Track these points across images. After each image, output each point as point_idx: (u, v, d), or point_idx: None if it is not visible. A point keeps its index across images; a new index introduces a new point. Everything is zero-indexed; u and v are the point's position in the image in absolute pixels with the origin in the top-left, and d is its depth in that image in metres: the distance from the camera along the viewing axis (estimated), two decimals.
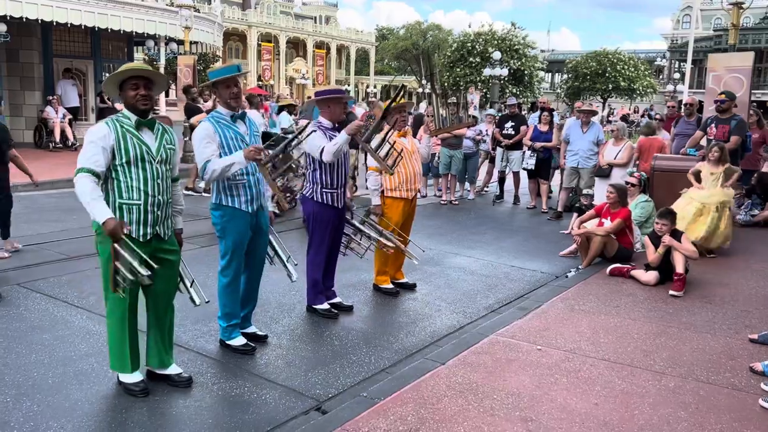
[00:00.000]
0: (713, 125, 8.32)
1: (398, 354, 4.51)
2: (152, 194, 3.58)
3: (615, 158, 8.79)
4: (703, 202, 7.16)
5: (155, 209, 3.60)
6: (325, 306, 5.21)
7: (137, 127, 3.54)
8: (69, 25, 14.69)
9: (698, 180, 7.45)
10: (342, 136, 4.64)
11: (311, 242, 5.18)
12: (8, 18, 13.54)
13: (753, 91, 9.56)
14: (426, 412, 3.47)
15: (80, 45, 17.68)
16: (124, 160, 3.49)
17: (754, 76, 9.36)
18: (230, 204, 4.18)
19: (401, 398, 3.63)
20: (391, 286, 5.87)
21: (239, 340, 4.41)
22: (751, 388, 3.92)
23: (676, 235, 6.10)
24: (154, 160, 3.58)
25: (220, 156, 4.04)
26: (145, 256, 3.47)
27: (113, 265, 3.35)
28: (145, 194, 3.55)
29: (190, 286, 4.10)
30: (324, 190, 5.02)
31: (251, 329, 4.62)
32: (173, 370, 3.90)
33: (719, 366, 4.24)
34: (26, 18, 13.67)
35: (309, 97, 14.51)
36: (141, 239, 3.57)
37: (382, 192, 5.65)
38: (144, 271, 3.35)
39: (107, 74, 17.98)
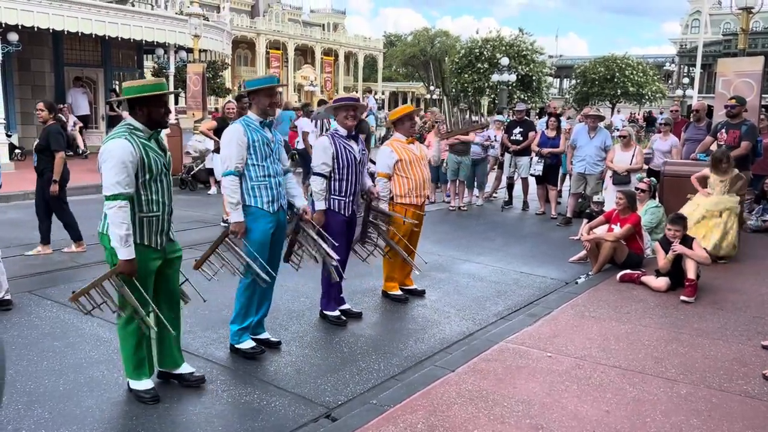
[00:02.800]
0: (723, 130, 8.26)
1: (408, 361, 4.50)
2: (167, 203, 3.69)
3: (631, 164, 8.70)
4: (709, 209, 7.11)
5: (169, 217, 3.73)
6: (336, 313, 5.21)
7: (148, 140, 3.60)
8: (80, 34, 14.82)
9: (703, 185, 7.41)
10: None
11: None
12: (20, 27, 13.67)
13: (763, 96, 9.47)
14: (436, 420, 3.46)
15: (91, 54, 17.86)
16: (147, 177, 3.52)
17: (764, 81, 9.26)
18: (253, 204, 4.25)
19: (411, 406, 3.63)
20: (400, 292, 5.86)
21: (248, 343, 4.43)
22: (764, 395, 3.88)
23: (688, 240, 6.07)
24: (168, 172, 3.70)
25: (247, 159, 4.20)
26: (144, 314, 3.59)
27: (97, 283, 3.56)
28: (163, 205, 3.65)
29: (180, 285, 4.10)
30: (332, 196, 5.03)
31: (264, 335, 4.63)
32: (185, 369, 3.96)
33: (732, 373, 4.20)
34: (37, 27, 13.80)
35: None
36: (158, 247, 3.66)
37: (392, 199, 5.65)
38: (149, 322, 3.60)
39: (117, 83, 18.28)
